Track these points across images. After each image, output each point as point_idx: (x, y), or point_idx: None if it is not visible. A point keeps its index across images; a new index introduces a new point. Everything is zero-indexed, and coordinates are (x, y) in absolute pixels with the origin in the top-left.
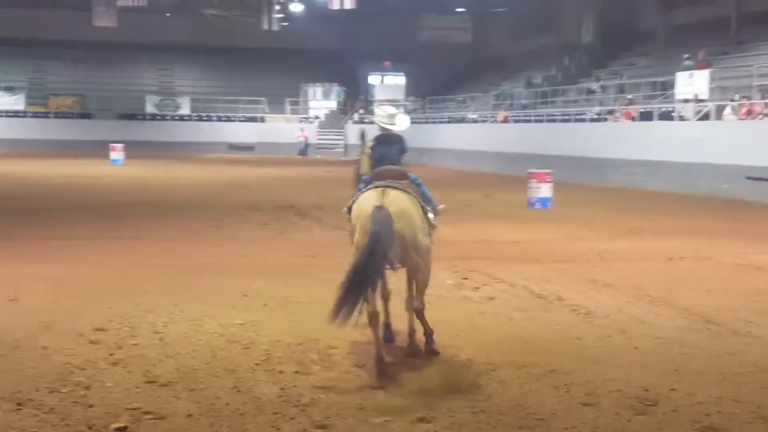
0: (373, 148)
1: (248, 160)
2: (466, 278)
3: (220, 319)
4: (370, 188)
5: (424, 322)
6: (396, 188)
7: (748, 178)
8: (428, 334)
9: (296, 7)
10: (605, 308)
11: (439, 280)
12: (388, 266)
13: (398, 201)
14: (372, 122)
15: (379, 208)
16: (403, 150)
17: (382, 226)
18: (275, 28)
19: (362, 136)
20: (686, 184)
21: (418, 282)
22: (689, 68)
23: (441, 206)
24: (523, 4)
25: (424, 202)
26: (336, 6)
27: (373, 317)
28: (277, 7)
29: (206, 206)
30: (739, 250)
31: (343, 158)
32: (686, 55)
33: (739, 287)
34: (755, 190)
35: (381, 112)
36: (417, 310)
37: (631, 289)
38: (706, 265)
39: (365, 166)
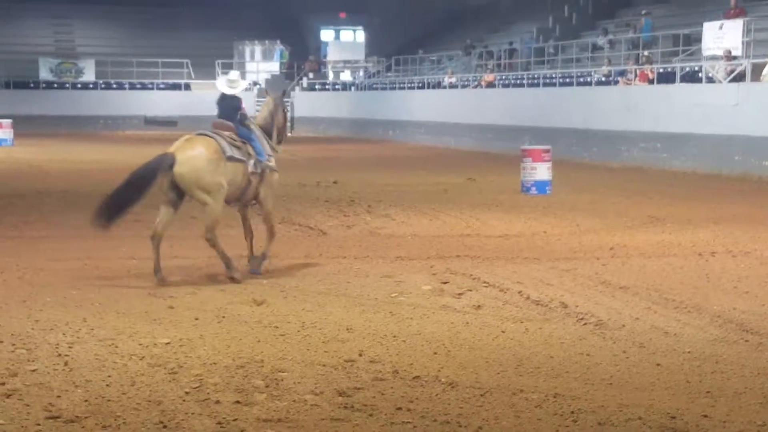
0: (218, 103)
1: (170, 137)
2: (446, 282)
3: (141, 338)
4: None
5: (219, 251)
6: (208, 136)
7: None
8: (225, 263)
9: None
10: (620, 317)
11: (414, 285)
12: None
13: (193, 147)
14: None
15: (164, 155)
16: (237, 108)
17: (148, 166)
18: None
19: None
20: (717, 162)
21: (204, 215)
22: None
23: (272, 163)
24: None
25: (255, 152)
26: None
27: (153, 236)
28: None
29: None
30: None
31: (290, 133)
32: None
33: None
34: None
35: (222, 78)
36: (207, 240)
37: (652, 292)
38: (744, 261)
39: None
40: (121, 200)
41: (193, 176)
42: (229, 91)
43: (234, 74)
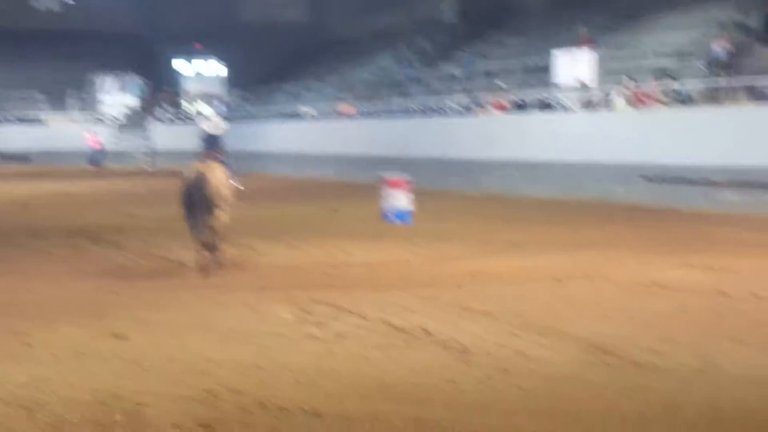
0: (205, 140)
1: (24, 172)
2: (308, 312)
3: None
4: (199, 161)
5: (213, 246)
6: (214, 161)
7: (643, 177)
8: (212, 258)
9: None
10: (483, 342)
11: (276, 315)
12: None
13: (214, 168)
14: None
15: (200, 173)
16: (218, 143)
17: (197, 181)
18: (55, 8)
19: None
20: (573, 188)
21: (217, 220)
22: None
23: (241, 188)
24: None
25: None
26: None
27: (204, 243)
28: None
29: None
30: (638, 265)
31: (149, 168)
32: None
33: (640, 310)
34: (654, 193)
35: (206, 122)
36: (208, 240)
37: (513, 317)
38: (601, 285)
39: None
40: (192, 212)
41: (217, 188)
42: (214, 132)
43: (215, 119)
